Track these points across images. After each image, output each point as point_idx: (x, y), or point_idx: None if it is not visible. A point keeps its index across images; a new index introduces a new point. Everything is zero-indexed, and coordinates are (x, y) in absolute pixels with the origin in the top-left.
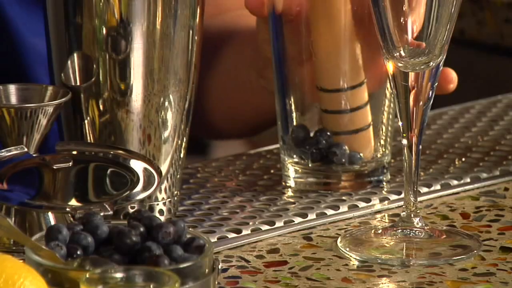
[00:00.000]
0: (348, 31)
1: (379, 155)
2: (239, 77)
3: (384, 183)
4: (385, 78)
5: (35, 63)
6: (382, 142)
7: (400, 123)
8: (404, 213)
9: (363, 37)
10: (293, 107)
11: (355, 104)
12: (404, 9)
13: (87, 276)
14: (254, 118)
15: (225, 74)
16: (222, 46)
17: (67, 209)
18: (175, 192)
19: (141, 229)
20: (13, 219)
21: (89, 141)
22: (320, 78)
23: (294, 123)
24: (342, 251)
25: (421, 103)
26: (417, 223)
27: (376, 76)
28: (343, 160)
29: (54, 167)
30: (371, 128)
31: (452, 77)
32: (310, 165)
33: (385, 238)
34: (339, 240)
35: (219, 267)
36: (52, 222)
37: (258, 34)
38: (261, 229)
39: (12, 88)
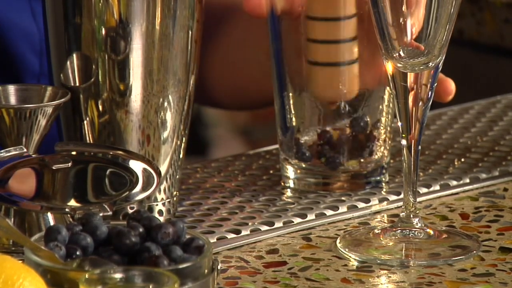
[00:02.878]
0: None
1: (378, 156)
2: (245, 56)
3: (383, 184)
4: (384, 76)
5: (18, 39)
6: (381, 142)
7: (399, 124)
8: (403, 213)
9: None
10: (292, 107)
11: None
12: (403, 9)
13: (86, 276)
14: (258, 94)
15: (230, 51)
16: (226, 23)
17: (66, 210)
18: (174, 193)
19: (140, 229)
20: (12, 219)
21: (88, 141)
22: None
23: (293, 123)
24: (342, 251)
25: (420, 103)
26: (416, 223)
27: (375, 75)
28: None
29: (54, 168)
30: (356, 64)
31: (452, 89)
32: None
33: (385, 239)
34: (338, 240)
35: (218, 267)
36: (51, 223)
37: None
38: (260, 229)
39: (11, 89)
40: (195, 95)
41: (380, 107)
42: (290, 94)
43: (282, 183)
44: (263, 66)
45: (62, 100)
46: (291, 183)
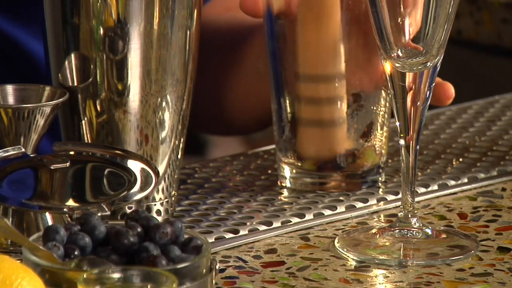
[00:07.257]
0: (342, 32)
1: (375, 155)
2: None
3: (380, 183)
4: (381, 79)
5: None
6: (378, 142)
7: (397, 124)
8: (401, 213)
9: (358, 37)
10: (288, 107)
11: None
12: (401, 9)
13: (85, 276)
14: (262, 111)
15: (249, 71)
16: (242, 43)
17: (65, 210)
18: (173, 193)
19: (139, 229)
20: (10, 219)
21: (86, 141)
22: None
23: (290, 123)
24: (340, 251)
25: (418, 103)
26: (415, 223)
27: (372, 77)
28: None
29: (52, 168)
30: (344, 125)
31: (452, 92)
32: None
33: (383, 239)
34: (336, 240)
35: (217, 267)
36: (50, 223)
37: None
38: (258, 229)
39: (10, 89)
40: (216, 129)
41: (377, 107)
42: (287, 94)
43: (279, 183)
44: (261, 73)
45: (60, 100)
46: (287, 183)
